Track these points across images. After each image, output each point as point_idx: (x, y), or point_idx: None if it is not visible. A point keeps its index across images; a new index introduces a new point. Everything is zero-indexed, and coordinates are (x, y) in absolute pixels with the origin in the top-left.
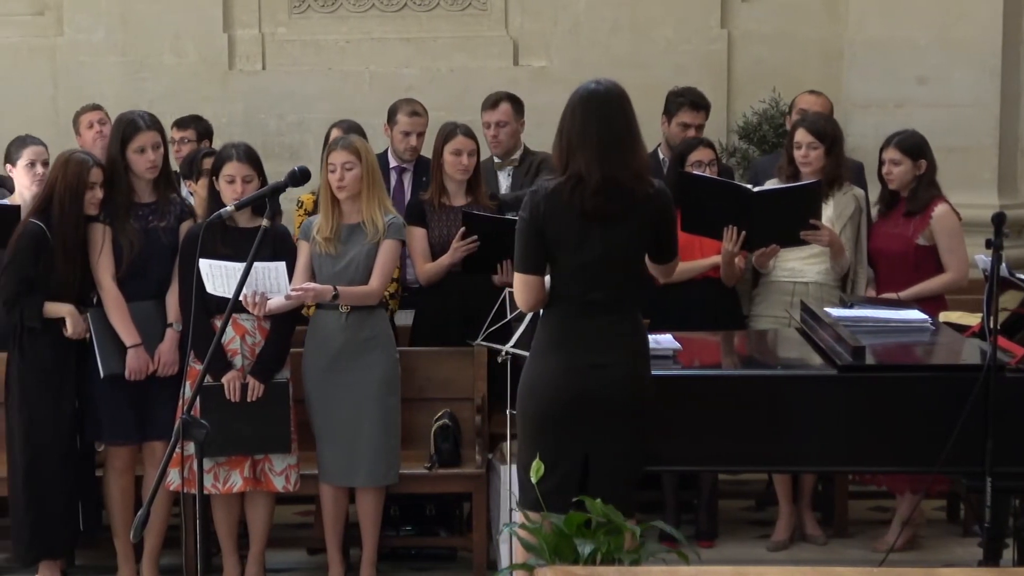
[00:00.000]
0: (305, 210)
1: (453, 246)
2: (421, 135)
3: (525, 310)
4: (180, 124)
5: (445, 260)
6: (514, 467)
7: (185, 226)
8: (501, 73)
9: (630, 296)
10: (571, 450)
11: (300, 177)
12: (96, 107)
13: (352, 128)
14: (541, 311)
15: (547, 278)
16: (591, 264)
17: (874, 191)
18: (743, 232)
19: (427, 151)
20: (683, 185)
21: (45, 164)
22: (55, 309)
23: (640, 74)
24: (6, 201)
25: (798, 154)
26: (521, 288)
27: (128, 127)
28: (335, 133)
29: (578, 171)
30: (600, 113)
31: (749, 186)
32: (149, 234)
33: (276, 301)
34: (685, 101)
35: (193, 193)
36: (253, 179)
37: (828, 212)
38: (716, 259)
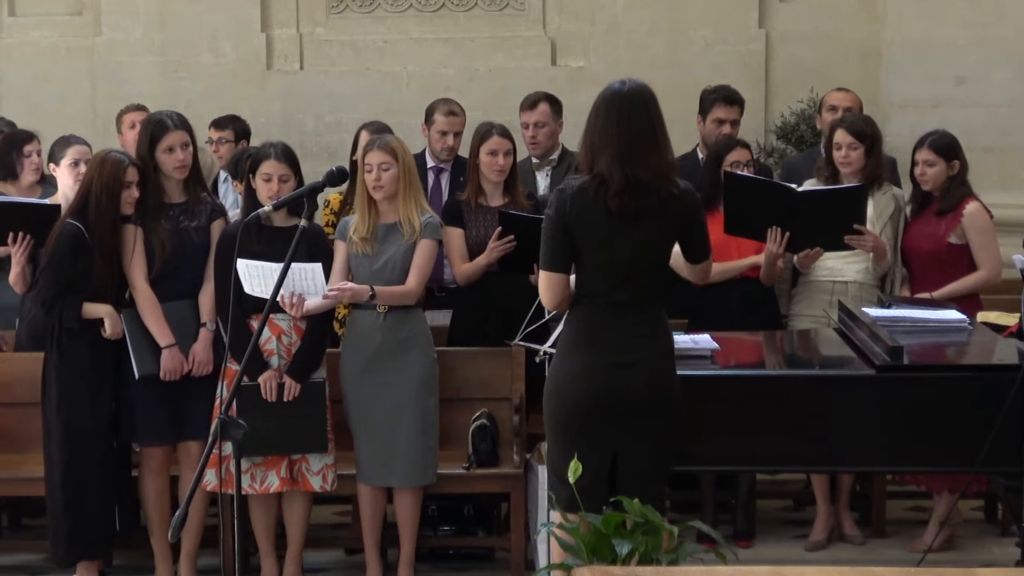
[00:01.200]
0: (332, 209)
1: (490, 246)
2: (458, 135)
3: (550, 308)
4: (218, 124)
5: (482, 260)
6: None
7: (216, 225)
8: (539, 73)
9: (656, 295)
10: (600, 449)
11: (338, 177)
12: (139, 107)
13: (381, 129)
14: (569, 309)
15: (571, 277)
16: (617, 263)
17: (906, 190)
18: (787, 233)
19: (464, 151)
20: (727, 186)
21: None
22: (93, 310)
23: (678, 74)
24: (48, 200)
25: (838, 155)
26: (546, 286)
27: (156, 127)
28: (363, 135)
29: (601, 171)
30: (623, 113)
31: (794, 186)
32: (180, 234)
33: (313, 301)
34: (718, 97)
35: (240, 193)
36: (289, 178)
37: (868, 212)
38: (754, 259)
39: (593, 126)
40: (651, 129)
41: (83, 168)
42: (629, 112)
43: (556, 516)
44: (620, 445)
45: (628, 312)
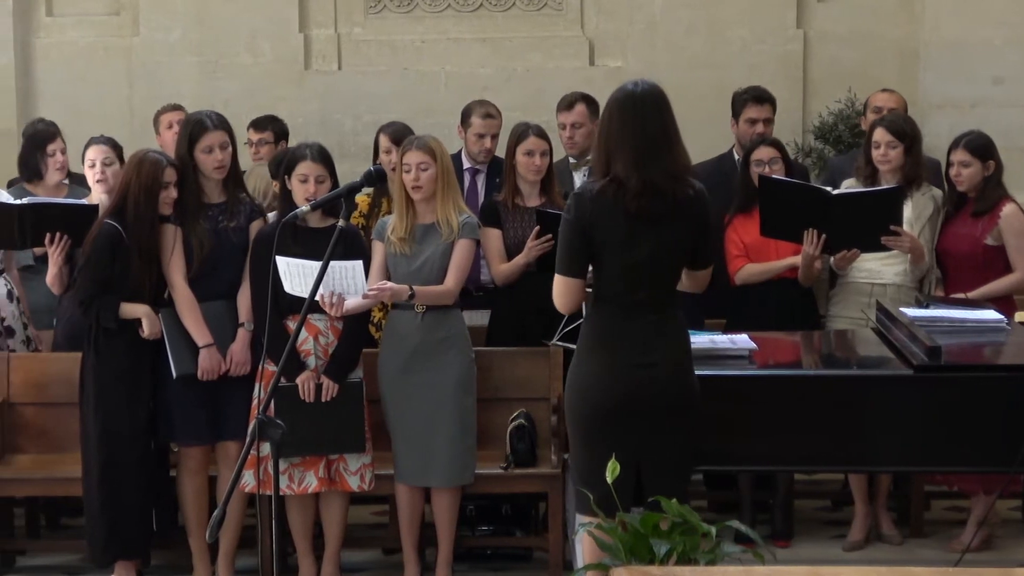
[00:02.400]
0: (360, 211)
1: (528, 245)
2: (495, 137)
3: (563, 311)
4: (257, 125)
5: (520, 260)
6: None
7: (255, 226)
8: (576, 73)
9: (673, 295)
10: (624, 451)
11: (376, 177)
12: (177, 107)
13: (401, 130)
14: (585, 313)
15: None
16: (637, 264)
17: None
18: (823, 235)
19: (501, 152)
20: (761, 189)
21: (107, 164)
22: (131, 310)
23: (715, 74)
24: (84, 201)
25: (876, 153)
26: (561, 290)
27: (196, 127)
28: (383, 138)
29: (618, 174)
30: (636, 115)
31: (829, 188)
32: (219, 234)
33: (353, 301)
34: (748, 97)
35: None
36: (325, 179)
37: (907, 213)
38: (792, 260)
39: (607, 129)
40: (665, 131)
41: (99, 168)
42: (643, 114)
43: (581, 519)
44: (644, 446)
45: (647, 313)
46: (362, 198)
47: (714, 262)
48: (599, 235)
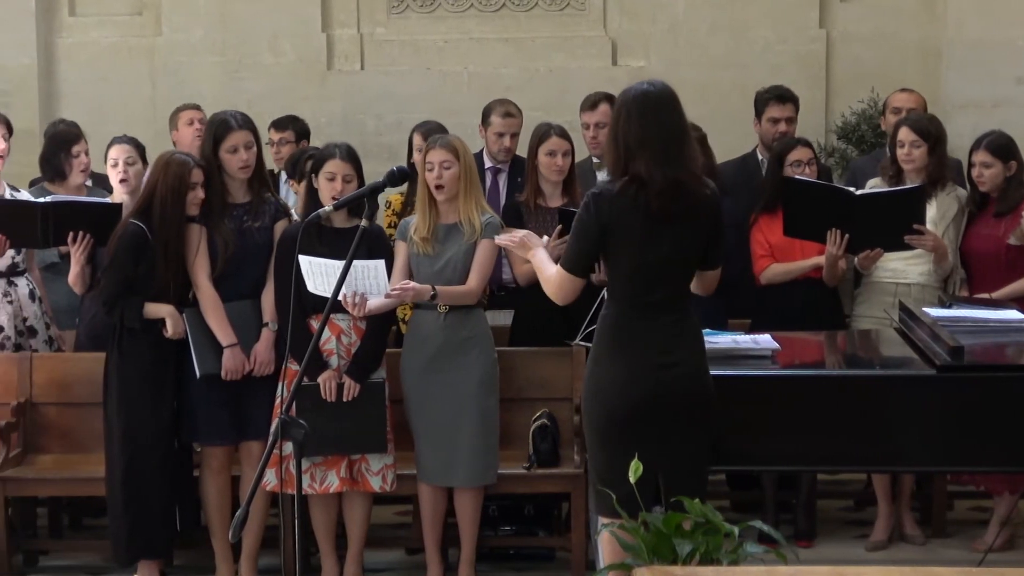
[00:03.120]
0: (393, 210)
1: (550, 244)
2: (515, 136)
3: (557, 301)
4: (278, 125)
5: None
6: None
7: (280, 226)
8: (599, 73)
9: (687, 294)
10: (644, 453)
11: (399, 177)
12: (196, 106)
13: (434, 129)
14: (602, 312)
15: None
16: (654, 264)
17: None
18: (846, 235)
19: (522, 151)
20: (786, 189)
21: (130, 164)
22: (155, 310)
23: (738, 74)
24: (107, 200)
25: (901, 153)
26: (561, 283)
27: (220, 127)
28: (417, 137)
29: (639, 173)
30: (658, 115)
31: (852, 189)
32: (244, 234)
33: (376, 301)
34: (770, 96)
35: (297, 193)
36: (353, 179)
37: (931, 213)
38: (817, 260)
39: (624, 127)
40: (684, 130)
41: (122, 168)
42: (664, 113)
43: (602, 520)
44: (663, 446)
45: (663, 313)
46: (395, 196)
47: (724, 263)
48: (615, 236)
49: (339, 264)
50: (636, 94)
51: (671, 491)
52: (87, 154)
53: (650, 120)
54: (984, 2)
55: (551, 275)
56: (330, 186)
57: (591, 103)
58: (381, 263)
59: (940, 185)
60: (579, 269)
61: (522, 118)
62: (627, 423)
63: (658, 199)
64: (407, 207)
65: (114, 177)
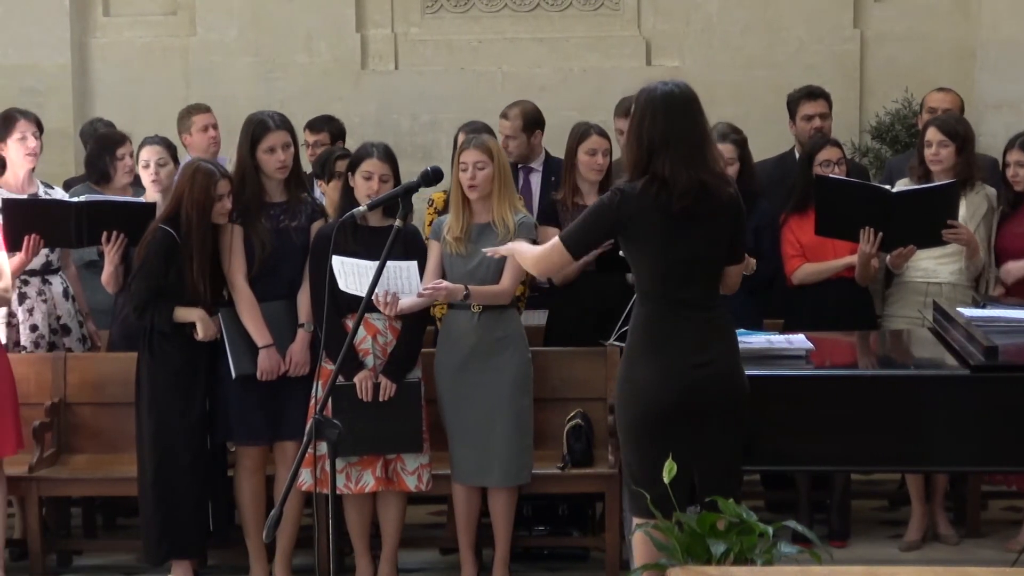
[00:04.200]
0: (436, 208)
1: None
2: (509, 137)
3: (537, 275)
4: (313, 127)
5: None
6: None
7: (316, 226)
8: (634, 73)
9: (717, 293)
10: (680, 451)
11: (433, 177)
12: (206, 108)
13: (479, 129)
14: (635, 311)
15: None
16: (680, 263)
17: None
18: (880, 233)
19: (556, 150)
20: (819, 188)
21: (161, 165)
22: (185, 314)
23: (772, 74)
24: (141, 199)
25: (928, 153)
26: (549, 255)
27: (258, 127)
28: (462, 136)
29: (661, 173)
30: (684, 115)
31: (887, 187)
32: (280, 234)
33: (408, 301)
34: (801, 95)
35: (324, 193)
36: (389, 178)
37: (961, 212)
38: (849, 259)
39: (648, 127)
40: (706, 131)
41: (153, 169)
42: (689, 113)
43: (636, 520)
44: (698, 445)
45: (694, 311)
46: (439, 194)
47: (761, 263)
48: (635, 235)
49: (371, 264)
50: (662, 94)
51: (705, 491)
52: (132, 156)
53: (676, 120)
54: (1018, 2)
55: (536, 250)
56: (367, 185)
57: (624, 109)
58: (414, 264)
59: (969, 185)
60: (577, 249)
61: (522, 121)
62: (661, 423)
63: (681, 200)
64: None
65: (146, 178)
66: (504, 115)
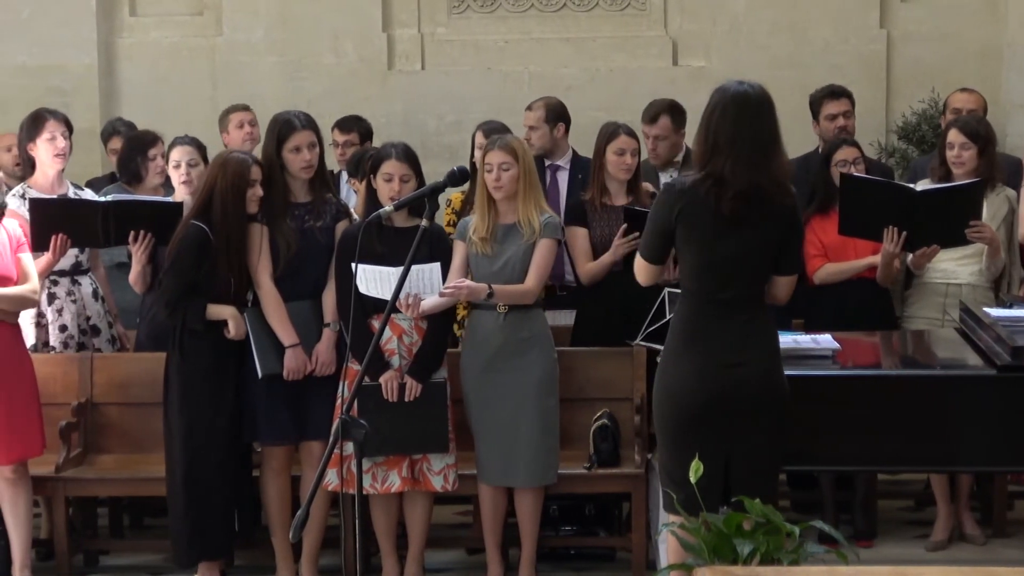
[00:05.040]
0: (453, 209)
1: (615, 243)
2: (532, 128)
3: (644, 285)
4: (342, 126)
5: (607, 258)
6: None
7: (341, 226)
8: (660, 73)
9: (760, 294)
10: (713, 451)
11: (459, 177)
12: (245, 107)
13: (497, 129)
14: (676, 308)
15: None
16: (724, 263)
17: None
18: (903, 233)
19: (585, 149)
20: (843, 187)
21: (192, 165)
22: (217, 311)
23: (798, 74)
24: (169, 199)
25: (950, 154)
26: (641, 271)
27: (283, 127)
28: (479, 136)
29: (719, 172)
30: (751, 117)
31: (912, 186)
32: (305, 234)
33: (430, 301)
34: (824, 94)
35: (358, 193)
36: (411, 179)
37: (984, 213)
38: (871, 260)
39: (717, 124)
40: (775, 136)
41: (184, 170)
42: (760, 116)
43: (670, 518)
44: (733, 446)
45: (735, 311)
46: (456, 195)
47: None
48: (684, 231)
49: (393, 271)
50: (736, 93)
51: (738, 491)
52: (163, 157)
53: (745, 121)
54: None
55: (638, 270)
56: (388, 187)
57: (651, 116)
58: (436, 265)
59: (990, 186)
60: (654, 257)
61: (544, 112)
62: (693, 422)
63: (731, 201)
64: (467, 206)
65: (176, 178)
66: (529, 107)
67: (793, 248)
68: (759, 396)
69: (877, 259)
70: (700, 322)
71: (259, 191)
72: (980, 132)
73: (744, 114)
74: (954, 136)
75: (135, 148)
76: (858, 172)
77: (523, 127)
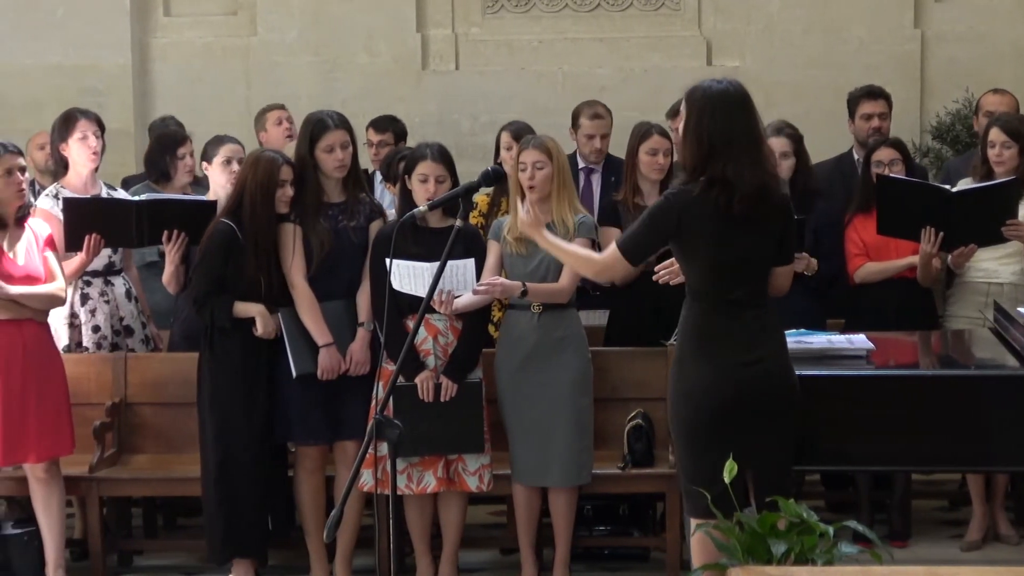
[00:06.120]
0: (479, 211)
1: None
2: (605, 137)
3: (599, 281)
4: (377, 126)
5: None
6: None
7: (375, 226)
8: (694, 73)
9: (766, 291)
10: (734, 450)
11: (493, 177)
12: (281, 106)
13: (522, 129)
14: (683, 311)
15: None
16: (732, 263)
17: None
18: (940, 233)
19: (615, 150)
20: (880, 187)
21: (241, 163)
22: (245, 309)
23: (833, 74)
24: (203, 198)
25: (991, 153)
26: (611, 264)
27: (317, 126)
28: (505, 136)
29: (723, 175)
30: (742, 114)
31: (948, 187)
32: (339, 234)
33: (464, 299)
34: (861, 93)
35: (393, 194)
36: (446, 179)
37: (1020, 212)
38: (911, 259)
39: (708, 126)
40: (761, 130)
41: (235, 167)
42: (746, 112)
43: (693, 522)
44: (753, 444)
45: (744, 310)
46: (481, 197)
47: (821, 263)
48: (691, 237)
49: (428, 267)
50: (718, 92)
51: (761, 489)
52: (192, 155)
53: (736, 119)
54: None
55: (596, 257)
56: (423, 188)
57: (674, 111)
58: (471, 261)
59: None
60: (636, 256)
61: (612, 119)
62: (716, 422)
63: (742, 202)
64: (493, 207)
65: (225, 176)
66: (598, 115)
67: (790, 238)
68: (775, 392)
69: (917, 259)
70: (713, 323)
71: (289, 191)
72: (1021, 131)
73: (733, 111)
74: (995, 135)
75: (164, 147)
76: (898, 172)
77: (586, 136)
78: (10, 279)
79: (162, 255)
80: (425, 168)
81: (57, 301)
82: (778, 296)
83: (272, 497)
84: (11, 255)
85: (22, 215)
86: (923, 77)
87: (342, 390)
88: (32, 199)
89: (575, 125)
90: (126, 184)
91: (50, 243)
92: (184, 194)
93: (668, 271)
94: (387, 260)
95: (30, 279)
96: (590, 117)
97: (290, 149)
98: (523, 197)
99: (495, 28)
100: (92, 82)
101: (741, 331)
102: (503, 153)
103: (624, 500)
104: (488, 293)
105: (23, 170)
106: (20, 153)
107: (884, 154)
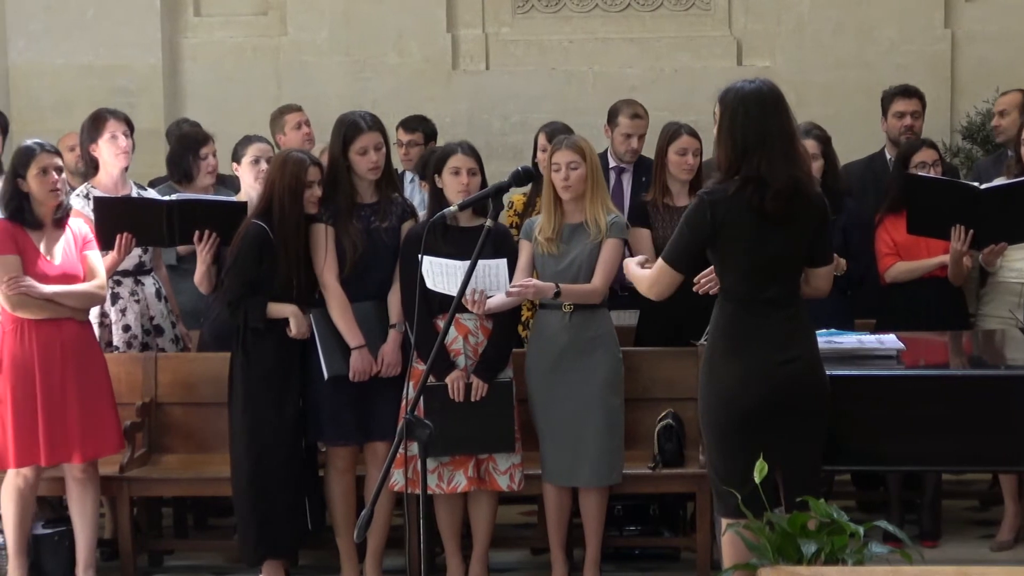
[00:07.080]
0: (515, 211)
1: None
2: (642, 137)
3: (650, 297)
4: (407, 126)
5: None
6: None
7: (407, 226)
8: (725, 73)
9: (798, 290)
10: (766, 451)
11: (524, 177)
12: (298, 108)
13: (560, 130)
14: (715, 310)
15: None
16: (766, 262)
17: None
18: (971, 231)
19: (647, 151)
20: (909, 186)
21: (270, 162)
22: (278, 310)
23: (863, 74)
24: (233, 198)
25: None
26: (658, 277)
27: (350, 128)
28: (542, 137)
29: (757, 173)
30: (775, 112)
31: (976, 184)
32: (371, 235)
33: (496, 299)
34: (896, 92)
35: (425, 195)
36: (477, 172)
37: None
38: (942, 258)
39: (741, 124)
40: (795, 128)
41: (264, 166)
42: (779, 111)
43: (724, 522)
44: (785, 444)
45: (776, 309)
46: (518, 196)
47: (851, 263)
48: (727, 237)
49: (460, 264)
50: (751, 91)
51: (791, 489)
52: (215, 156)
53: (769, 118)
54: None
55: (646, 274)
56: (456, 180)
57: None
58: (503, 261)
59: None
60: (682, 265)
61: (648, 119)
62: (749, 422)
63: (775, 200)
64: (529, 207)
65: (253, 175)
66: (637, 115)
67: (825, 238)
68: (809, 390)
69: (948, 258)
70: (746, 322)
71: (317, 192)
72: None
73: (767, 110)
74: None
75: (186, 147)
76: (936, 174)
77: (624, 136)
78: (45, 279)
79: (182, 257)
80: (457, 161)
81: (96, 299)
82: (819, 298)
83: (304, 497)
84: (48, 256)
85: (61, 216)
86: (953, 77)
87: (373, 391)
88: (67, 200)
89: (612, 123)
90: (151, 186)
91: (90, 242)
92: (207, 194)
93: (709, 279)
94: (421, 257)
95: (67, 278)
96: (630, 116)
97: (314, 151)
98: (556, 200)
99: (525, 28)
100: (123, 82)
101: (774, 331)
102: (540, 154)
103: (654, 500)
104: (521, 294)
105: (59, 170)
106: (57, 153)
107: (927, 155)
